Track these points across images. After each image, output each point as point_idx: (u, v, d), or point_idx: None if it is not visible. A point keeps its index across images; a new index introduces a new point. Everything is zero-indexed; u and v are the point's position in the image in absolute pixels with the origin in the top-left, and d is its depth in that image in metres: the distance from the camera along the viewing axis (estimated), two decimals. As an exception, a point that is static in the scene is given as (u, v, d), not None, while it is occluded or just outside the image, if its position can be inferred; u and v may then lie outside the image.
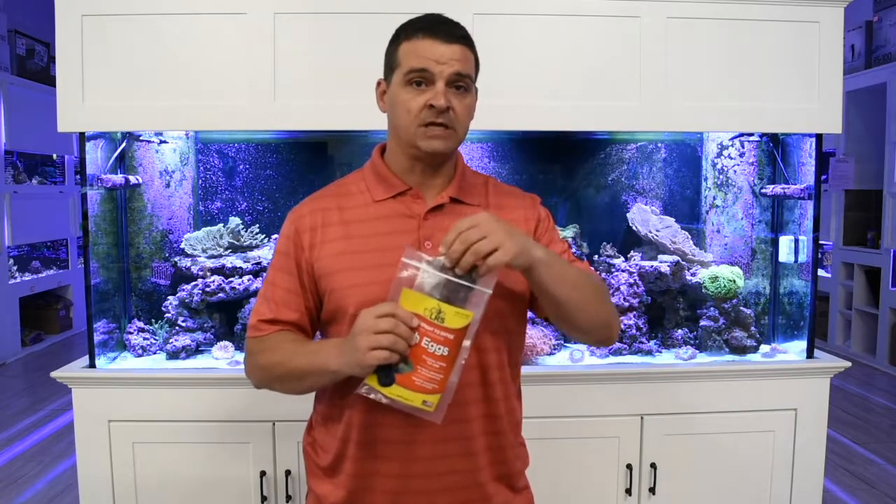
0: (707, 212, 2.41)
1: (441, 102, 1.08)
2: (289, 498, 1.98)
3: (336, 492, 1.17)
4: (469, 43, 1.13)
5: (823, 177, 5.44)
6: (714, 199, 2.39)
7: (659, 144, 2.40)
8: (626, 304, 2.19)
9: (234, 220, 2.29)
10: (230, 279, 2.17)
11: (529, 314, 1.24)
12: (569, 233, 2.30)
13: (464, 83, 1.11)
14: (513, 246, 0.98)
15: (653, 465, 2.03)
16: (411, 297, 0.99)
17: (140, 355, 2.15)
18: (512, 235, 0.99)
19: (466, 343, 1.00)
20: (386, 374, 0.99)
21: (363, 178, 1.21)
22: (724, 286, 2.19)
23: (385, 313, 0.98)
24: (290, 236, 1.17)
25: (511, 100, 1.93)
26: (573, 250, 2.28)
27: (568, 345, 2.24)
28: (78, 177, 5.24)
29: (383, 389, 1.00)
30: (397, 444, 1.13)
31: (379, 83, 1.18)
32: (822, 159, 2.15)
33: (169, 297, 2.21)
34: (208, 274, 2.17)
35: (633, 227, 2.34)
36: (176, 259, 2.25)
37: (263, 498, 1.98)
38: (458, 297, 0.99)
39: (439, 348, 0.99)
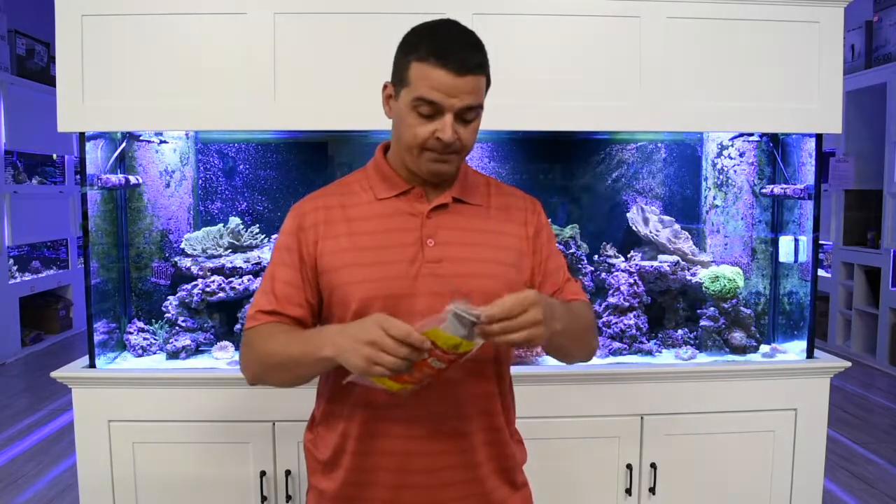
0: (707, 212, 2.41)
1: (448, 137, 1.08)
2: (289, 498, 1.98)
3: (336, 486, 1.18)
4: (483, 69, 1.10)
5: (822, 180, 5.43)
6: (714, 199, 2.39)
7: (659, 144, 2.40)
8: (626, 304, 2.20)
9: (234, 220, 2.29)
10: (230, 279, 2.17)
11: None
12: (568, 233, 2.30)
13: (473, 113, 1.10)
14: (543, 337, 1.00)
15: (653, 465, 2.03)
16: (438, 333, 0.98)
17: (140, 355, 2.15)
18: (547, 324, 1.00)
19: (460, 362, 1.02)
20: None
21: (366, 176, 1.21)
22: (724, 286, 2.19)
23: (402, 338, 0.95)
24: (293, 231, 1.18)
25: (511, 100, 1.93)
26: (575, 249, 2.29)
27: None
28: (78, 177, 5.23)
29: (373, 378, 1.01)
30: (397, 439, 1.14)
31: (385, 86, 1.16)
32: (822, 159, 2.15)
33: (169, 297, 2.21)
34: (208, 274, 2.17)
35: (633, 227, 2.34)
36: (176, 259, 2.25)
37: (263, 498, 1.98)
38: (474, 334, 1.00)
39: (439, 364, 1.00)
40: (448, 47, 1.07)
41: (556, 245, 1.27)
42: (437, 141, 1.09)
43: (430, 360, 0.99)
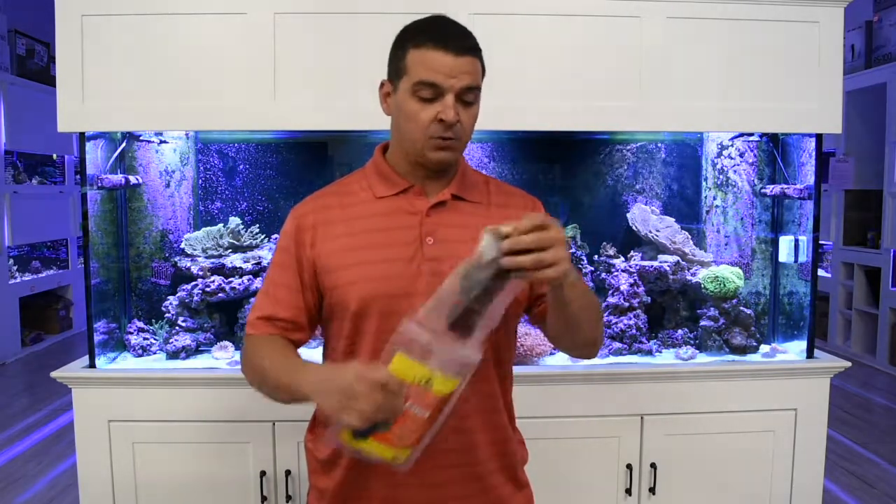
0: (707, 212, 2.41)
1: (450, 117, 1.08)
2: (289, 498, 1.98)
3: (335, 484, 1.18)
4: (478, 53, 1.12)
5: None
6: (714, 199, 2.39)
7: (659, 144, 2.40)
8: (626, 304, 2.20)
9: (234, 220, 2.29)
10: (230, 279, 2.17)
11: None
12: (568, 233, 2.30)
13: (472, 95, 1.11)
14: (565, 266, 0.95)
15: (653, 465, 2.03)
16: (403, 363, 0.94)
17: (140, 355, 2.15)
18: (568, 254, 0.96)
19: (447, 409, 0.97)
20: (362, 431, 0.94)
21: (365, 176, 1.21)
22: (724, 286, 2.19)
23: (379, 382, 0.91)
24: (292, 233, 1.18)
25: (511, 100, 1.93)
26: (575, 249, 2.29)
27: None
28: (78, 177, 5.23)
29: (354, 443, 0.95)
30: None
31: (383, 84, 1.17)
32: (822, 159, 2.15)
33: (169, 297, 2.21)
34: (208, 274, 2.17)
35: (633, 227, 2.34)
36: (176, 259, 2.25)
37: (263, 498, 1.98)
38: (449, 365, 0.94)
39: (422, 411, 0.95)
40: (444, 31, 1.10)
41: None
42: (439, 123, 1.09)
43: (408, 405, 0.93)
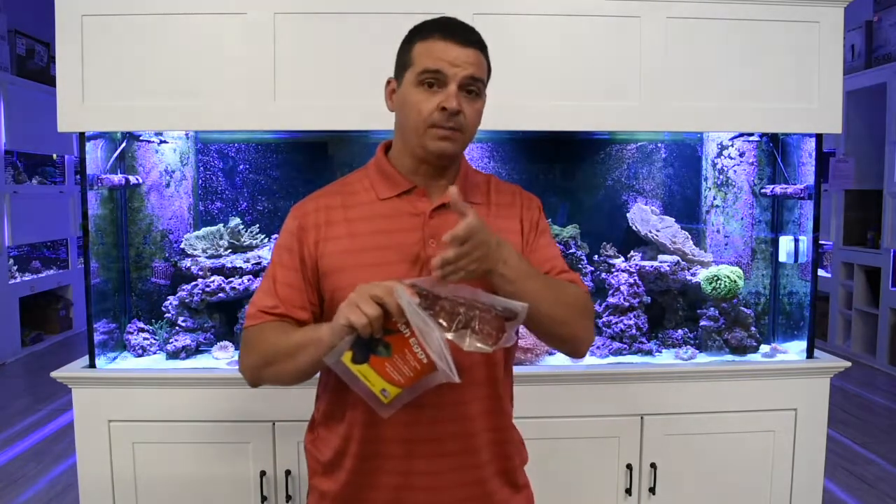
0: (707, 212, 2.41)
1: (453, 105, 1.08)
2: (289, 498, 1.98)
3: (338, 487, 1.17)
4: (483, 48, 1.14)
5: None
6: (714, 199, 2.39)
7: (659, 144, 2.40)
8: (626, 304, 2.20)
9: (234, 220, 2.29)
10: (230, 279, 2.17)
11: None
12: (568, 233, 2.30)
13: (476, 87, 1.12)
14: (488, 261, 1.03)
15: (653, 465, 2.03)
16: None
17: (140, 355, 2.15)
18: (493, 253, 1.03)
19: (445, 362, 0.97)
20: (363, 351, 0.97)
21: (367, 175, 1.20)
22: (724, 286, 2.19)
23: (386, 287, 0.95)
24: (294, 232, 1.17)
25: (511, 100, 1.93)
26: (575, 249, 2.28)
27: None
28: (78, 177, 5.23)
29: (352, 366, 0.97)
30: (399, 443, 1.13)
31: (389, 81, 1.18)
32: (822, 159, 2.15)
33: (169, 297, 2.21)
34: (208, 274, 2.17)
35: (633, 227, 2.34)
36: (176, 259, 2.25)
37: (263, 498, 1.98)
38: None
39: (423, 354, 0.96)
40: (451, 25, 1.13)
41: (552, 241, 1.25)
42: (442, 112, 1.09)
43: (413, 340, 0.96)
